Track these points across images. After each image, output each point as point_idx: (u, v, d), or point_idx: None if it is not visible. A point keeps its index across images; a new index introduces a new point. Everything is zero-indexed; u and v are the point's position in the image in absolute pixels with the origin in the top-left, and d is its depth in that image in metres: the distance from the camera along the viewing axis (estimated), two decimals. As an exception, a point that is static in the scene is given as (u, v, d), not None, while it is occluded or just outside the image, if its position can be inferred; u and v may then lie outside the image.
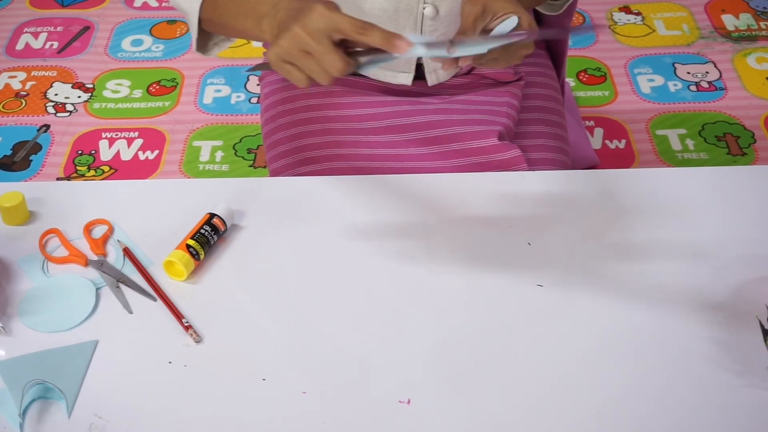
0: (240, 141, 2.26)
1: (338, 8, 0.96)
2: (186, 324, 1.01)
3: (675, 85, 2.41)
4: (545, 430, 0.92)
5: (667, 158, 2.19)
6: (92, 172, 2.17)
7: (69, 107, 2.37)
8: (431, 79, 1.35)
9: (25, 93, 2.42)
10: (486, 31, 1.01)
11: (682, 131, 2.27)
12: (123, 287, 1.06)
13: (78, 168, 2.19)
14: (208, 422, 0.93)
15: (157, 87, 2.43)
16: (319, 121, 1.34)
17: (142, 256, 1.10)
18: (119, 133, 2.29)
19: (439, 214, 1.14)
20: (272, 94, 1.42)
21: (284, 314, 1.04)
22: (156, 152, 2.23)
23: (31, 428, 0.92)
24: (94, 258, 1.10)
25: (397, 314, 1.03)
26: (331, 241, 1.11)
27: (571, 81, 2.42)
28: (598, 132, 2.27)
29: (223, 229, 1.10)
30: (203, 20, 1.15)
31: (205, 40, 1.19)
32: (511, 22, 0.99)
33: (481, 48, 0.96)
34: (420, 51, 0.95)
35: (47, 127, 2.31)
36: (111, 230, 1.13)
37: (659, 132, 2.27)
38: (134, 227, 1.13)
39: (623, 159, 2.19)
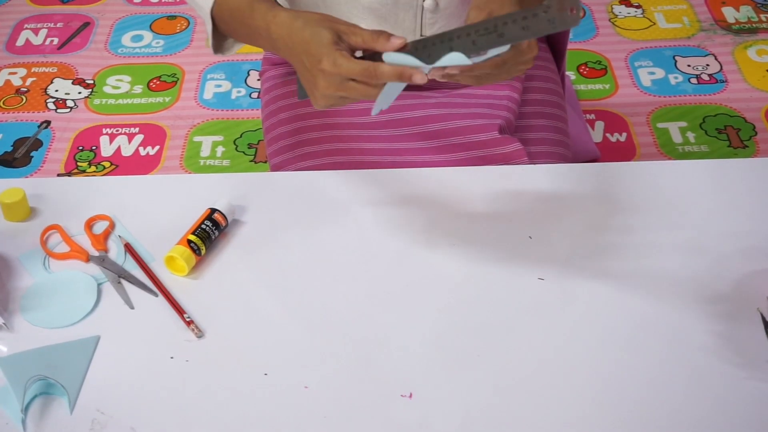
0: (241, 136, 2.26)
1: (341, 46, 0.97)
2: (188, 319, 1.01)
3: (675, 77, 2.40)
4: (546, 421, 0.92)
5: (668, 151, 2.19)
6: (93, 168, 2.17)
7: (69, 103, 2.37)
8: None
9: (25, 89, 2.42)
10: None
11: (683, 124, 2.26)
12: (124, 283, 1.06)
13: (79, 164, 2.19)
14: (210, 417, 0.93)
15: (158, 82, 2.43)
16: (319, 115, 1.33)
17: (144, 251, 1.10)
18: (120, 129, 2.29)
19: (439, 208, 1.14)
20: (273, 89, 1.42)
21: (286, 309, 1.04)
22: (157, 148, 2.23)
23: (34, 424, 0.92)
24: (96, 254, 1.10)
25: (398, 308, 1.03)
26: (331, 236, 1.11)
27: (571, 74, 2.42)
28: (599, 125, 2.27)
29: (224, 224, 1.10)
30: (217, 25, 1.16)
31: (220, 42, 1.21)
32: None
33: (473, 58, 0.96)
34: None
35: (48, 123, 2.31)
36: (112, 226, 1.13)
37: (660, 125, 2.26)
38: (135, 223, 1.13)
39: (624, 152, 2.19)
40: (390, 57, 0.96)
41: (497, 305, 1.03)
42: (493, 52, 0.97)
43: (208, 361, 0.98)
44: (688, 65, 2.44)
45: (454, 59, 0.93)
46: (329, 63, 0.96)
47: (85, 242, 1.11)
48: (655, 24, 2.60)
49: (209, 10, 1.15)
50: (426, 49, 0.96)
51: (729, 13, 2.62)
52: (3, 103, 2.37)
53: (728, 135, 2.23)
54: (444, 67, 0.97)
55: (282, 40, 1.03)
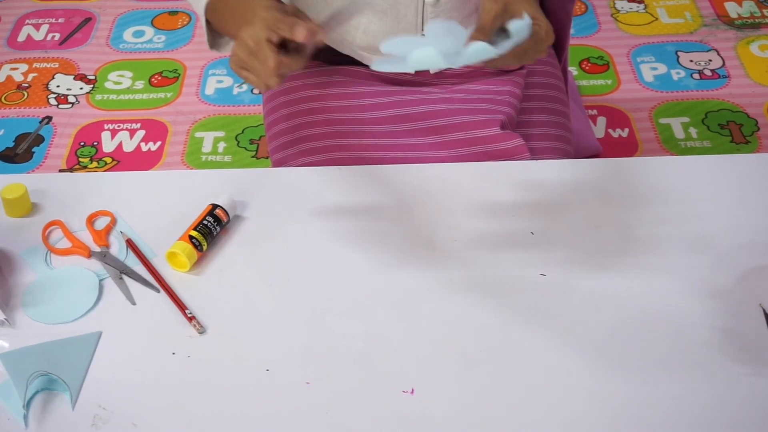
0: (242, 132, 2.26)
1: (278, 6, 0.99)
2: (189, 315, 1.01)
3: (678, 73, 2.40)
4: (548, 416, 0.92)
5: (670, 147, 2.19)
6: (95, 164, 2.17)
7: (71, 99, 2.37)
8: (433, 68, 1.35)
9: (27, 85, 2.41)
10: (501, 30, 1.02)
11: (685, 119, 2.26)
12: (126, 279, 1.06)
13: (80, 160, 2.19)
14: (212, 413, 0.93)
15: (159, 78, 2.43)
16: (321, 111, 1.33)
17: (145, 247, 1.10)
18: (121, 125, 2.29)
19: (441, 204, 1.14)
20: (274, 85, 1.42)
21: (287, 304, 1.04)
22: (158, 143, 2.23)
23: (36, 420, 0.92)
24: (97, 249, 1.10)
25: (400, 304, 1.03)
26: (333, 232, 1.11)
27: (573, 70, 2.42)
28: (601, 121, 2.26)
29: (225, 220, 1.10)
30: (210, 21, 1.17)
31: (216, 38, 1.21)
32: (524, 23, 0.99)
33: (490, 53, 0.96)
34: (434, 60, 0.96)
35: (49, 118, 2.31)
36: (114, 222, 1.13)
37: (662, 120, 2.26)
38: (137, 219, 1.13)
39: (626, 148, 2.19)
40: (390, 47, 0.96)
41: (499, 301, 1.03)
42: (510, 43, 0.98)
43: (209, 356, 0.98)
44: (691, 60, 2.44)
45: (481, 51, 0.94)
46: (263, 8, 1.00)
47: (86, 238, 1.11)
48: (657, 19, 2.60)
49: (204, 4, 1.16)
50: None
51: (732, 8, 2.62)
52: (4, 99, 2.37)
53: (731, 130, 2.22)
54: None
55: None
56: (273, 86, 1.00)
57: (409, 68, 0.95)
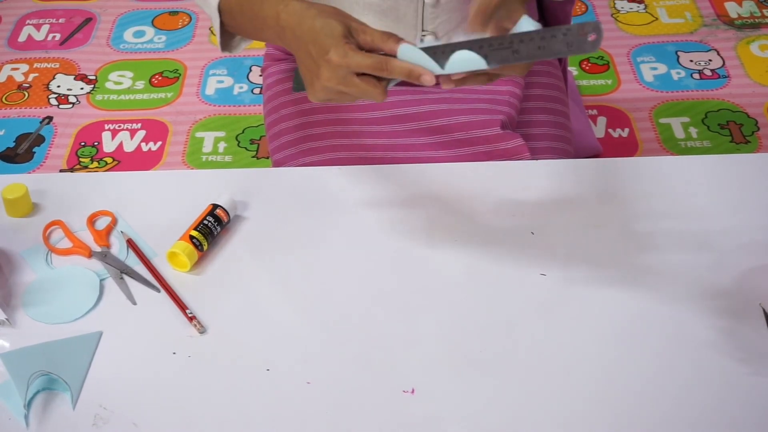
0: (243, 132, 2.26)
1: (351, 41, 0.97)
2: (190, 315, 1.01)
3: (678, 73, 2.40)
4: (549, 417, 0.92)
5: (671, 147, 2.19)
6: (95, 164, 2.17)
7: (72, 99, 2.37)
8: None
9: (27, 85, 2.42)
10: (499, 29, 1.00)
11: (686, 119, 2.26)
12: (127, 278, 1.07)
13: (81, 160, 2.19)
14: (213, 413, 0.93)
15: (160, 78, 2.43)
16: (322, 111, 1.33)
17: (146, 247, 1.10)
18: (122, 125, 2.29)
19: (441, 204, 1.14)
20: (275, 85, 1.42)
21: (288, 304, 1.04)
22: (159, 143, 2.23)
23: (36, 419, 0.92)
24: (98, 249, 1.10)
25: (400, 304, 1.03)
26: (334, 231, 1.11)
27: (573, 70, 2.42)
28: (601, 121, 2.27)
29: (226, 220, 1.10)
30: (224, 23, 1.16)
31: (228, 40, 1.20)
32: (527, 23, 0.97)
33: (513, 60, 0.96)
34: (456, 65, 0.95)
35: (50, 119, 2.31)
36: (114, 222, 1.13)
37: (662, 120, 2.26)
38: (138, 219, 1.13)
39: (626, 147, 2.19)
40: (405, 54, 0.95)
41: (499, 301, 1.03)
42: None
43: (210, 356, 0.98)
44: (691, 60, 2.44)
45: (469, 60, 0.93)
46: (337, 54, 0.96)
47: (87, 238, 1.11)
48: (657, 19, 2.60)
49: (216, 5, 1.15)
50: (435, 56, 0.96)
51: (732, 8, 2.62)
52: (5, 99, 2.37)
53: (730, 130, 2.23)
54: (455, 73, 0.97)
55: (290, 29, 1.03)
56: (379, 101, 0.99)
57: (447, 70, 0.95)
